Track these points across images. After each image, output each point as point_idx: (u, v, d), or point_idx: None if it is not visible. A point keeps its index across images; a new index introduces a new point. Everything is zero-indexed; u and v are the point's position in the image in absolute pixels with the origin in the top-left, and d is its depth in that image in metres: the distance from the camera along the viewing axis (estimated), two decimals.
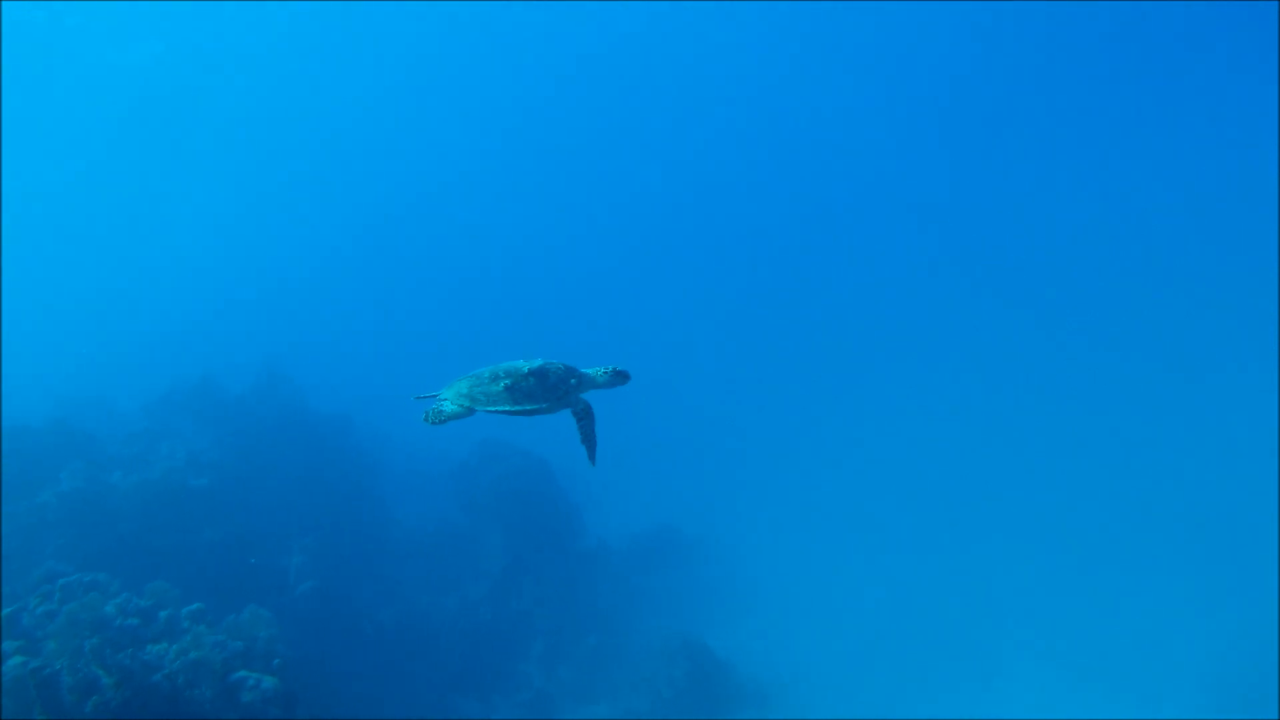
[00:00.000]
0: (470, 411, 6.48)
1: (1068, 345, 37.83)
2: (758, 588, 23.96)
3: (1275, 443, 26.06)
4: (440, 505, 24.66)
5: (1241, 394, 30.20)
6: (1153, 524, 24.21)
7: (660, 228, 56.74)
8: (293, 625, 19.03)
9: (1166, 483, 26.00)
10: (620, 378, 6.80)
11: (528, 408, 6.41)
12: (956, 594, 22.54)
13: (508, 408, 6.39)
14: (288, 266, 46.15)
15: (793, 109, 62.35)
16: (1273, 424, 27.48)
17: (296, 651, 17.98)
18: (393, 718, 18.88)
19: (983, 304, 43.70)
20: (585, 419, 6.71)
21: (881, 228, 55.25)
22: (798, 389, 35.84)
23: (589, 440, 6.75)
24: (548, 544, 23.09)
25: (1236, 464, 26.01)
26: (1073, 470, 27.65)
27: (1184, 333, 36.38)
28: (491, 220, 55.91)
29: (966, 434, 30.69)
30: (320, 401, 25.35)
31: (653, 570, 24.34)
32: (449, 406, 6.53)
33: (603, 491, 26.61)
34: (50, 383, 25.00)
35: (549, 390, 6.45)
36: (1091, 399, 32.69)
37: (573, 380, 6.57)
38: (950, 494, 27.10)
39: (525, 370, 6.46)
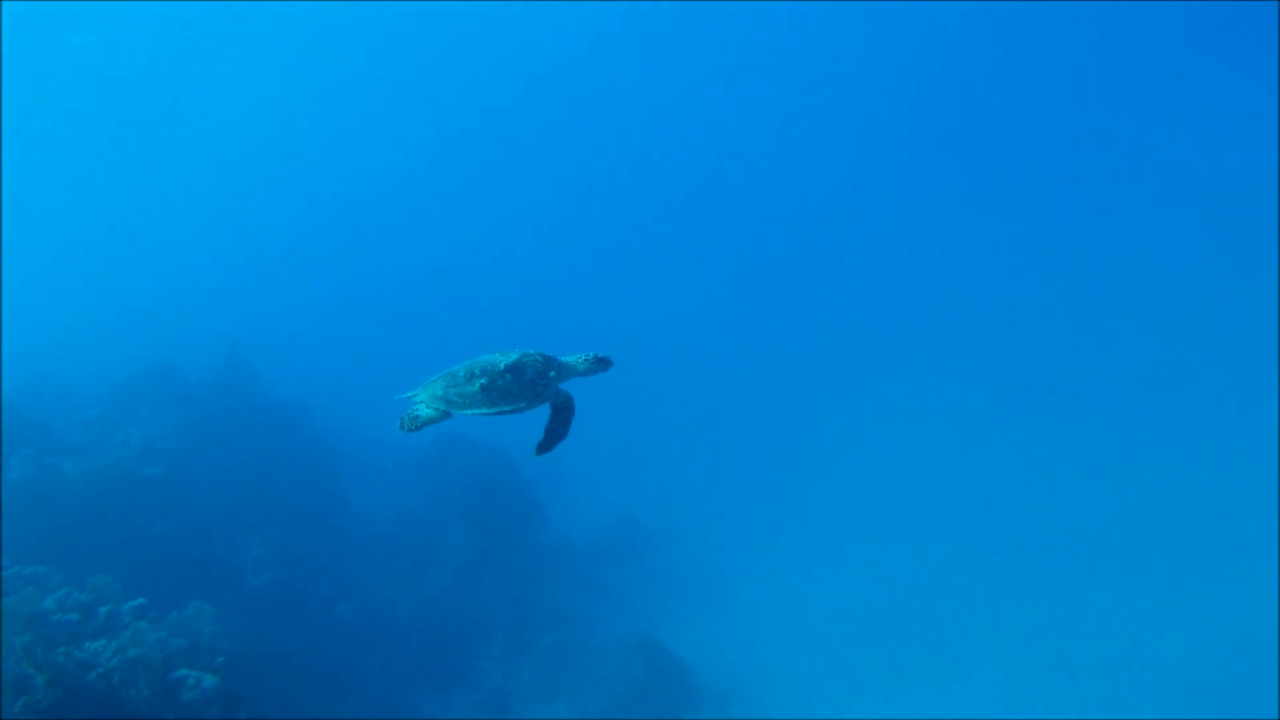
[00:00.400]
0: (447, 415, 6.18)
1: (1049, 349, 37.57)
2: (722, 587, 23.82)
3: (1261, 459, 25.90)
4: (402, 497, 24.38)
5: (1228, 408, 29.94)
6: (1126, 534, 24.11)
7: (638, 221, 56.03)
8: (249, 618, 18.79)
9: (1144, 493, 25.87)
10: (602, 364, 6.47)
11: (505, 409, 6.11)
12: (922, 598, 22.47)
13: (485, 410, 6.08)
14: (257, 251, 45.36)
15: (795, 102, 61.97)
16: (1258, 439, 27.29)
17: (250, 646, 17.78)
18: (349, 713, 18.73)
19: (963, 305, 43.37)
20: (563, 412, 6.43)
21: (858, 224, 54.79)
22: (772, 389, 35.45)
23: (554, 433, 6.45)
24: (510, 538, 22.90)
25: (1219, 478, 25.86)
26: (1047, 475, 27.52)
27: (1173, 342, 36.11)
28: (466, 207, 55.15)
29: (940, 437, 30.52)
30: (283, 389, 24.98)
31: (616, 566, 24.19)
32: (424, 410, 6.22)
33: (569, 485, 26.43)
34: (11, 364, 24.42)
35: (526, 387, 6.13)
36: (1070, 405, 32.46)
37: (551, 373, 6.24)
38: (920, 497, 26.95)
39: (501, 366, 6.13)
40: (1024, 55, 57.83)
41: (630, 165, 59.64)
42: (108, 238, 45.00)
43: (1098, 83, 56.79)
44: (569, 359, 6.42)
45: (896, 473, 28.34)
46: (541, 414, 6.43)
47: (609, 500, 26.28)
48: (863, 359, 36.98)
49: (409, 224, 52.10)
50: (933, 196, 55.86)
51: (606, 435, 26.54)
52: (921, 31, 58.17)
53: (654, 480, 28.31)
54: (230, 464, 21.42)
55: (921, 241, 51.21)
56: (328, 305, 40.34)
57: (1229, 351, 33.60)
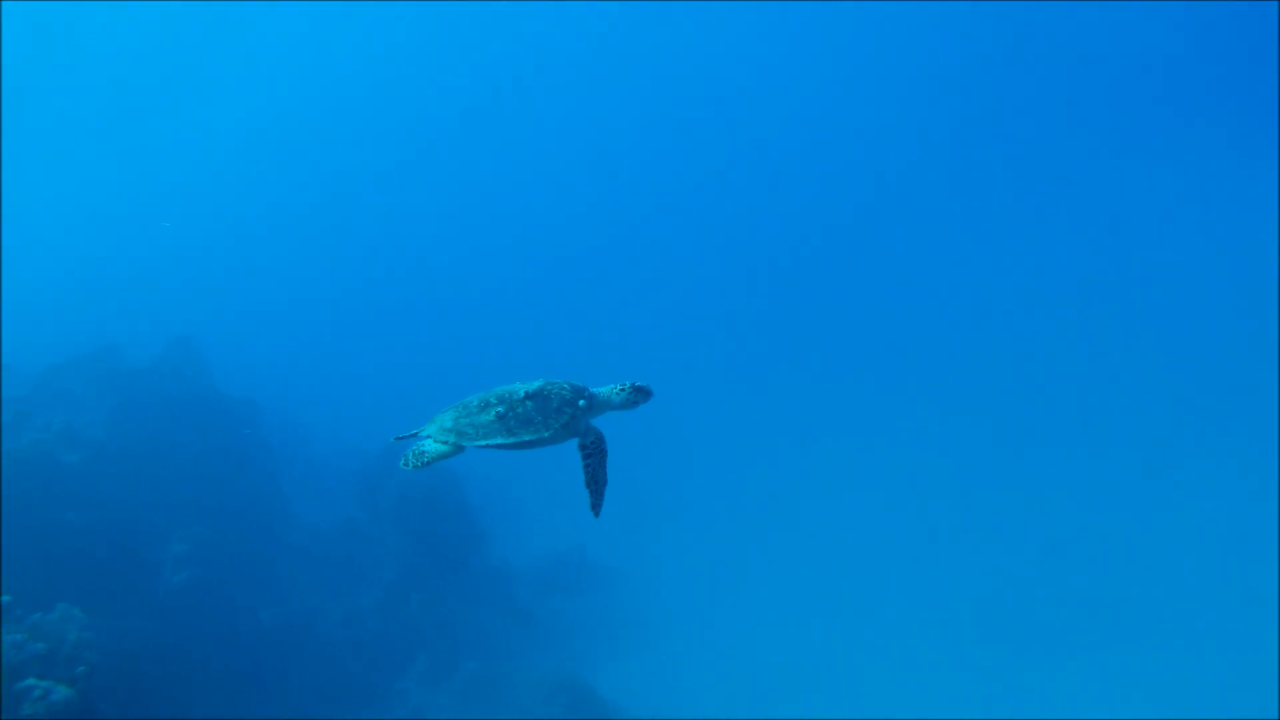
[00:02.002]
0: (458, 449, 5.50)
1: (1018, 401, 36.18)
2: (662, 630, 22.88)
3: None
4: (342, 505, 23.73)
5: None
6: (1079, 617, 23.03)
7: (620, 241, 54.24)
8: (160, 619, 18.09)
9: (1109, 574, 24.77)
10: (641, 395, 5.88)
11: (526, 439, 5.43)
12: (858, 663, 21.61)
13: (502, 440, 5.42)
14: (227, 244, 44.31)
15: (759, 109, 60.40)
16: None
17: (155, 649, 17.08)
18: None
19: (920, 349, 41.50)
20: (593, 455, 5.78)
21: (835, 256, 52.76)
22: (743, 432, 34.06)
23: (595, 482, 5.82)
24: (447, 558, 22.19)
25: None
26: (1003, 540, 26.47)
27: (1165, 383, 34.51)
28: (450, 215, 53.71)
29: (899, 491, 29.38)
30: (233, 384, 24.21)
31: (553, 598, 23.41)
32: (432, 445, 5.56)
33: (518, 510, 25.71)
34: None
35: (550, 415, 5.49)
36: (1038, 466, 30.99)
37: (580, 402, 5.60)
38: (873, 555, 25.89)
39: (521, 394, 5.51)
40: (1022, 56, 56.89)
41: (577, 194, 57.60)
42: (78, 217, 44.29)
43: (1096, 84, 55.91)
44: (601, 390, 5.80)
45: (851, 529, 27.20)
46: (558, 451, 5.90)
47: (558, 529, 25.32)
48: (831, 408, 35.51)
49: (394, 231, 50.82)
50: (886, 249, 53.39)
51: (565, 462, 25.57)
52: (912, 35, 57.30)
53: (609, 513, 27.28)
54: (162, 457, 20.67)
55: (899, 272, 49.02)
56: (294, 304, 39.40)
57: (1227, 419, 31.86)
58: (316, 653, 19.94)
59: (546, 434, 5.49)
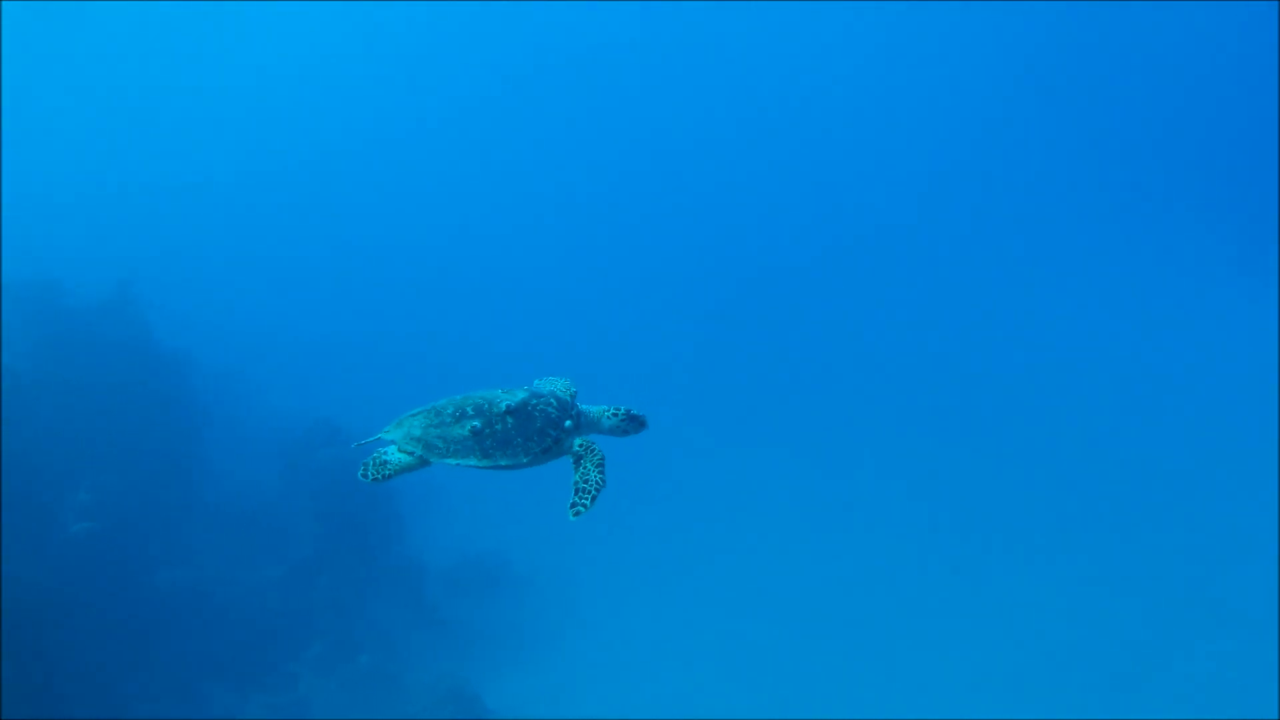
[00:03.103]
0: (424, 462, 5.02)
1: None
2: (571, 644, 22.42)
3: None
4: (264, 473, 23.10)
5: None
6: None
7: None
8: (48, 569, 17.46)
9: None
10: (635, 424, 5.46)
11: (502, 463, 4.95)
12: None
13: (475, 461, 4.95)
14: (186, 188, 43.20)
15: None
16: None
17: (34, 600, 16.43)
18: (130, 691, 17.47)
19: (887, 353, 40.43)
20: (586, 456, 5.23)
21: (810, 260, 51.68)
22: (694, 454, 33.34)
23: (585, 485, 5.16)
24: (361, 544, 21.73)
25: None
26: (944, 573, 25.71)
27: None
28: (429, 181, 52.02)
29: (839, 540, 28.72)
30: (171, 335, 23.59)
31: (463, 599, 22.84)
32: (394, 455, 5.03)
33: (442, 505, 24.99)
34: None
35: (532, 437, 5.01)
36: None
37: (566, 423, 5.16)
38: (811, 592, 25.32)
39: (502, 407, 4.98)
40: (1021, 56, 56.68)
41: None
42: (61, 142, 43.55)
43: (1095, 85, 55.76)
44: (592, 409, 5.38)
45: (785, 577, 26.57)
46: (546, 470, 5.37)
47: (480, 529, 24.74)
48: (785, 445, 34.51)
49: (367, 204, 49.20)
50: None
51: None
52: (910, 37, 56.97)
53: (536, 519, 26.62)
54: (82, 399, 20.11)
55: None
56: (253, 263, 38.18)
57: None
58: (210, 622, 19.39)
59: (525, 459, 5.01)
